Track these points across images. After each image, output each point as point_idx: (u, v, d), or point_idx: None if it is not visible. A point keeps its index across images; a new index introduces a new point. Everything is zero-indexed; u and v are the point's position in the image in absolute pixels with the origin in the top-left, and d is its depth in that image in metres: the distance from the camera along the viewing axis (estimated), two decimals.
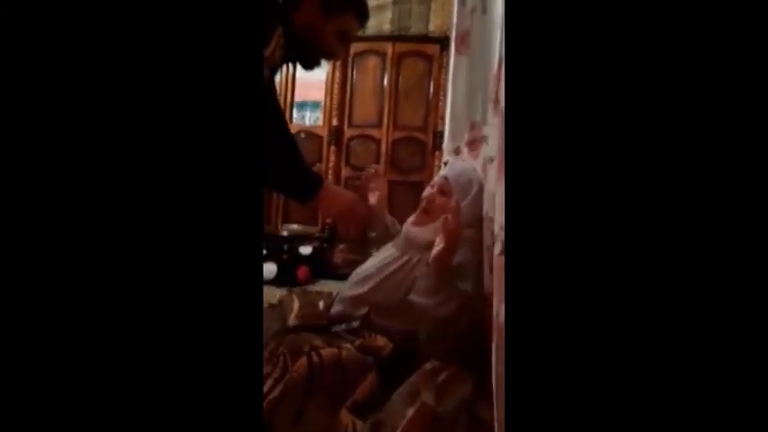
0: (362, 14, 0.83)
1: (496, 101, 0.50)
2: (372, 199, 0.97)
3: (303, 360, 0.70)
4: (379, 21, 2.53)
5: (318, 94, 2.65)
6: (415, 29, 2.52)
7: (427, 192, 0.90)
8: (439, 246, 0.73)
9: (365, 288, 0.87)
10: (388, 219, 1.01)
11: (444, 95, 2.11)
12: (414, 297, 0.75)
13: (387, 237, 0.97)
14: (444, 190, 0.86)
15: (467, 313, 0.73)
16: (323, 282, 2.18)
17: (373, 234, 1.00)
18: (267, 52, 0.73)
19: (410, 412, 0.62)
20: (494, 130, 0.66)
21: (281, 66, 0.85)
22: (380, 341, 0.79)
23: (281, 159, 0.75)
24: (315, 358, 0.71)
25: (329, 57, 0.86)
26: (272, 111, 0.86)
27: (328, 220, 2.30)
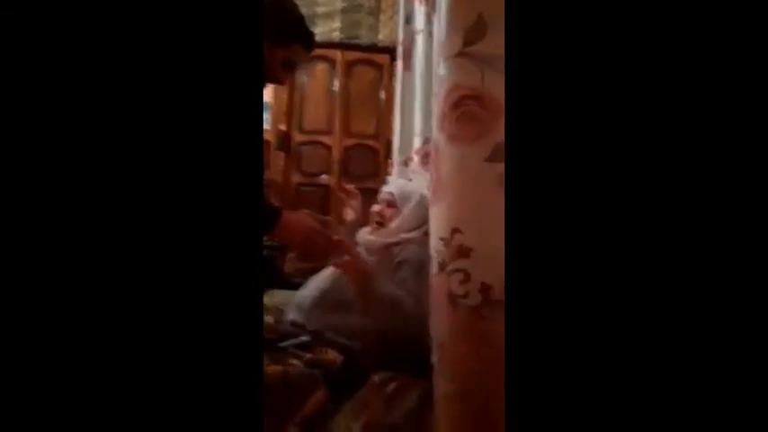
0: (309, 45, 0.86)
1: (440, 123, 0.53)
2: (350, 215, 1.08)
3: None
4: (328, 27, 2.52)
5: (266, 96, 2.57)
6: (365, 38, 2.55)
7: (376, 207, 1.00)
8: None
9: (317, 300, 0.87)
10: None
11: (394, 105, 2.17)
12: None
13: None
14: (391, 203, 0.97)
15: (399, 317, 0.76)
16: (273, 292, 2.10)
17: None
18: None
19: (357, 426, 0.63)
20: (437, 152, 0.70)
21: None
22: (331, 355, 0.79)
23: None
24: None
25: (275, 82, 0.88)
26: None
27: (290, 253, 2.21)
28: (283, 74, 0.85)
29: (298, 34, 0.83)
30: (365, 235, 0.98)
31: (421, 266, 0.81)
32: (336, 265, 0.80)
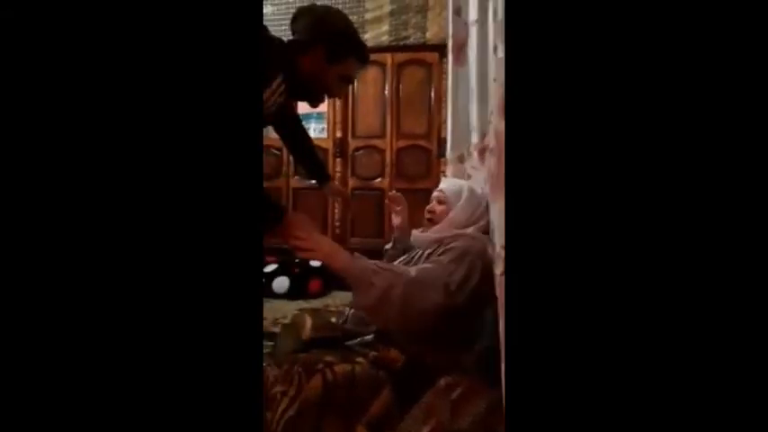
0: (363, 59, 0.89)
1: (500, 110, 0.50)
2: (396, 220, 1.10)
3: (317, 377, 0.71)
4: (377, 32, 2.56)
5: (322, 105, 2.68)
6: (413, 38, 2.54)
7: (429, 206, 1.01)
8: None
9: None
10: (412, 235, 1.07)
11: (446, 102, 2.12)
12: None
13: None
14: (441, 200, 0.99)
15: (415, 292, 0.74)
16: (335, 293, 2.18)
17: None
18: (265, 95, 0.78)
19: (425, 431, 0.62)
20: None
21: (279, 109, 0.89)
22: (393, 353, 0.79)
23: None
24: (329, 375, 0.71)
25: (333, 96, 0.92)
26: None
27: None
28: (339, 88, 0.89)
29: (351, 49, 0.86)
30: (417, 233, 0.99)
31: (464, 253, 0.81)
32: (296, 251, 0.78)
